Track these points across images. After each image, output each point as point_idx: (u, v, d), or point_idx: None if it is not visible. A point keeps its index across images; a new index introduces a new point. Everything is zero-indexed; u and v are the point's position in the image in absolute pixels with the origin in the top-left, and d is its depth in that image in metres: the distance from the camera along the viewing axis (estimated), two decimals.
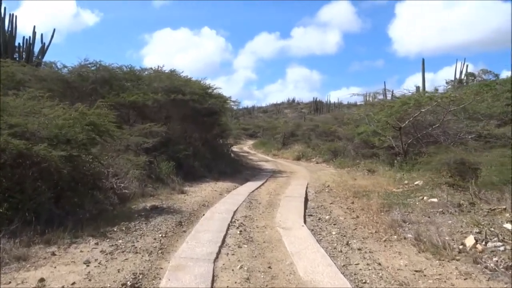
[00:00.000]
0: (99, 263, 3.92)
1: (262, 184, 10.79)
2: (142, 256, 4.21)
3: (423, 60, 19.15)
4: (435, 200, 7.22)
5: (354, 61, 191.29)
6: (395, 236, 5.29)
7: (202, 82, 14.56)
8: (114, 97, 11.21)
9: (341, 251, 4.67)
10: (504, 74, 28.56)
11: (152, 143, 10.15)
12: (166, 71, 13.84)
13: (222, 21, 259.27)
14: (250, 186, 10.26)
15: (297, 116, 54.42)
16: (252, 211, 6.97)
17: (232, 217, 6.19)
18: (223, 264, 4.05)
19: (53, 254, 4.14)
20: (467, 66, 25.16)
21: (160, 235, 5.00)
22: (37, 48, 17.84)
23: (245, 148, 33.95)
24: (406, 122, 12.68)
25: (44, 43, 18.14)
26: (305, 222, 6.13)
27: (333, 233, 5.51)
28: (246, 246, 4.75)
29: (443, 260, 4.28)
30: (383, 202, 7.20)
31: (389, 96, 21.23)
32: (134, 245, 4.54)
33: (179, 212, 6.45)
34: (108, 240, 4.71)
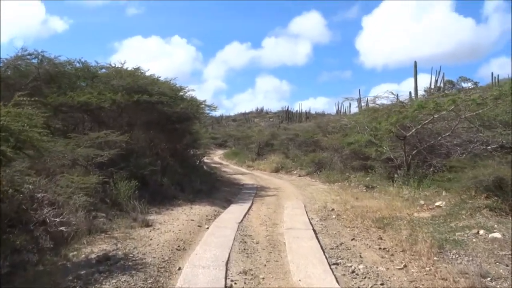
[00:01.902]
0: None
1: (250, 207, 8.57)
2: None
3: (415, 63, 17.71)
4: (498, 235, 5.32)
5: (323, 71, 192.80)
6: None
7: (172, 83, 12.23)
8: (59, 97, 8.75)
9: None
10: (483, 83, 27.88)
11: (108, 156, 7.75)
12: (129, 69, 11.34)
13: (193, 29, 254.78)
14: (236, 211, 8.03)
15: (268, 125, 52.57)
16: (251, 259, 4.74)
17: (226, 277, 3.96)
18: None
19: None
20: (443, 74, 24.16)
21: None
22: None
23: (216, 158, 31.63)
24: (413, 131, 10.92)
25: None
26: (336, 280, 4.02)
27: None
28: None
29: None
30: (430, 240, 5.21)
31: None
32: None
33: (141, 268, 4.13)
34: None
